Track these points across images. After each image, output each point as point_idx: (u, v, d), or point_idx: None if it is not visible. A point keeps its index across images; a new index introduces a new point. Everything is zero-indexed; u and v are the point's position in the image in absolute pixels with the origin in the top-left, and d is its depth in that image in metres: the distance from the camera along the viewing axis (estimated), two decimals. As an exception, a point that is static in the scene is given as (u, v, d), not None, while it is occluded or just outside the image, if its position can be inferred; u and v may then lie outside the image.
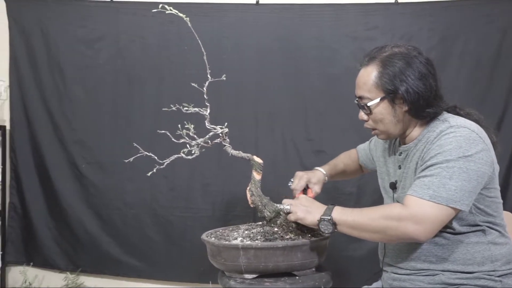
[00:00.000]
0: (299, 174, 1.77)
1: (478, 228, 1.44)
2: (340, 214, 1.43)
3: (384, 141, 1.71)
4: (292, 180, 1.76)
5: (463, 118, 1.45)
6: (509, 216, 1.74)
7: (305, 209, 1.49)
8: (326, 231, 1.43)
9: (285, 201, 1.57)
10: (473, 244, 1.43)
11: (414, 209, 1.33)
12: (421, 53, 1.47)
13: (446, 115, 1.48)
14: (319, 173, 1.82)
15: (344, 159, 1.97)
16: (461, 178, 1.32)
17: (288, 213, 1.53)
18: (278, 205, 1.65)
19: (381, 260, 1.66)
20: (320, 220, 1.43)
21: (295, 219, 1.51)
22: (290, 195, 1.71)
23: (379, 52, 1.48)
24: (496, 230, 1.46)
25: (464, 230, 1.43)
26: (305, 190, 1.74)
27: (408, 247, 1.49)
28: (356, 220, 1.41)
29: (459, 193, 1.32)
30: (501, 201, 1.49)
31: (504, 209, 1.54)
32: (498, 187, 1.48)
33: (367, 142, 1.92)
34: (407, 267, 1.50)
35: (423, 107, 1.43)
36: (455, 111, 1.52)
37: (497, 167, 1.45)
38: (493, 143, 1.44)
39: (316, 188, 1.75)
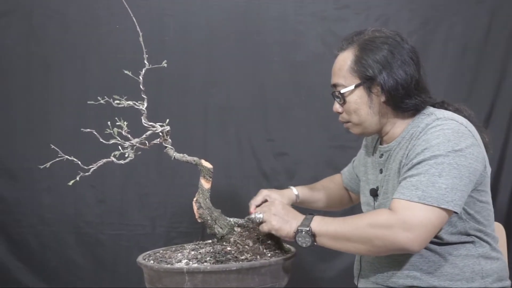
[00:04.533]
0: (260, 190, 1.81)
1: (468, 239, 1.51)
2: (320, 224, 1.46)
3: (365, 150, 1.76)
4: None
5: (451, 112, 1.53)
6: (500, 228, 1.82)
7: (281, 218, 1.51)
8: (304, 244, 1.46)
9: (257, 209, 1.60)
10: (462, 257, 1.50)
11: (403, 214, 1.37)
12: (404, 39, 1.56)
13: (431, 109, 1.56)
14: (288, 191, 1.87)
15: (325, 182, 2.03)
16: (452, 175, 1.38)
17: (261, 223, 1.55)
18: (232, 219, 1.65)
19: (356, 277, 1.70)
20: (297, 232, 1.46)
21: (269, 230, 1.53)
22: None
23: (358, 35, 1.58)
24: (487, 243, 1.53)
25: (453, 241, 1.49)
26: None
27: (388, 260, 1.54)
28: (338, 230, 1.44)
29: (451, 192, 1.37)
30: (492, 208, 1.58)
31: (495, 218, 1.61)
32: (489, 192, 1.56)
33: (350, 163, 1.98)
34: (387, 283, 1.55)
35: (402, 97, 1.51)
36: (443, 106, 1.60)
37: (489, 168, 1.53)
38: (485, 145, 1.52)
39: None
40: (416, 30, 2.61)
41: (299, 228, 1.46)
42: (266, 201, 1.76)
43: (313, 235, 1.45)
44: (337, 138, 2.61)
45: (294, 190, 1.88)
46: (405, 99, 1.52)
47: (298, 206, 1.88)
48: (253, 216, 1.57)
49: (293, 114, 2.68)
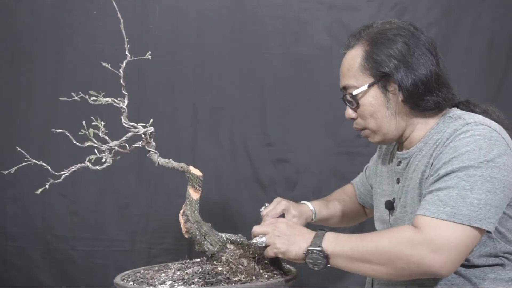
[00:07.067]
0: (278, 199, 1.79)
1: (497, 261, 1.50)
2: (334, 243, 1.45)
3: (378, 157, 1.76)
4: (266, 204, 1.78)
5: (481, 116, 1.52)
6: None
7: (286, 238, 1.51)
8: (316, 267, 1.45)
9: (255, 229, 1.58)
10: (490, 281, 1.49)
11: (430, 233, 1.36)
12: (419, 29, 1.57)
13: (458, 111, 1.56)
14: (304, 207, 1.84)
15: (338, 195, 2.01)
16: (485, 189, 1.37)
17: (265, 247, 1.54)
18: (224, 234, 1.65)
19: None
20: (307, 253, 1.45)
21: (275, 254, 1.52)
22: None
23: (366, 30, 1.59)
24: None
25: (480, 263, 1.49)
26: None
27: (405, 281, 1.52)
28: (355, 250, 1.43)
29: (484, 208, 1.36)
30: None
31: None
32: None
33: (362, 172, 1.97)
34: None
35: (422, 94, 1.51)
36: (468, 107, 1.60)
37: None
38: None
39: (294, 221, 1.75)
40: (436, 21, 2.62)
41: (309, 248, 1.45)
42: (283, 215, 1.74)
43: (326, 256, 1.44)
44: (345, 143, 2.61)
45: (310, 206, 1.86)
46: (426, 96, 1.52)
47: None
48: (255, 241, 1.56)
49: (295, 116, 2.68)
